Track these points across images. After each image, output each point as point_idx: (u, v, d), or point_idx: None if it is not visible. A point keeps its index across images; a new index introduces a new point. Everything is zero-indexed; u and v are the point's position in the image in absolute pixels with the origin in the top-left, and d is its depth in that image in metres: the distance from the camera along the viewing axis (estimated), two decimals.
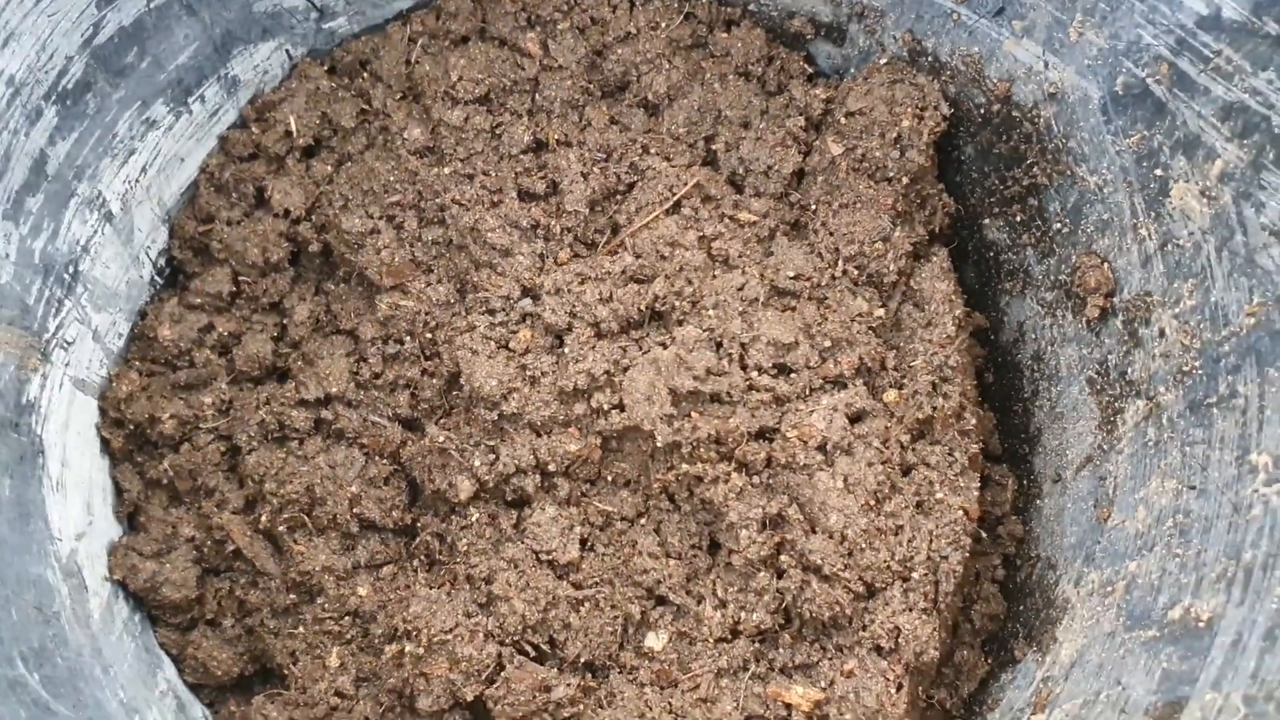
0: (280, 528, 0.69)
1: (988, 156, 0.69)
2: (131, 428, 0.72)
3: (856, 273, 0.66)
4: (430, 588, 0.65)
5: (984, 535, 0.70)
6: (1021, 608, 0.68)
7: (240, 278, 0.73)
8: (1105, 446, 0.62)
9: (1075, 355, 0.66)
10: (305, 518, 0.69)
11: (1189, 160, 0.54)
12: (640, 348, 0.63)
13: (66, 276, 0.67)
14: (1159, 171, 0.56)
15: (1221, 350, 0.53)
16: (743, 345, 0.62)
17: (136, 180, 0.71)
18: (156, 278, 0.75)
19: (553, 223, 0.68)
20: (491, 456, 0.64)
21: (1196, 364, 0.54)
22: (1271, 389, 0.49)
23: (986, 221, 0.71)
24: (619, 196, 0.69)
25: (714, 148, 0.71)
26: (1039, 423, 0.70)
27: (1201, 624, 0.48)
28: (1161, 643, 0.50)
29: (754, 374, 0.62)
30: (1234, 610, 0.46)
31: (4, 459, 0.61)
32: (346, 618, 0.68)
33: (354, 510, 0.68)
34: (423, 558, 0.68)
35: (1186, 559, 0.52)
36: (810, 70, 0.76)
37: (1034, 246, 0.68)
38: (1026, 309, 0.70)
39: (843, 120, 0.69)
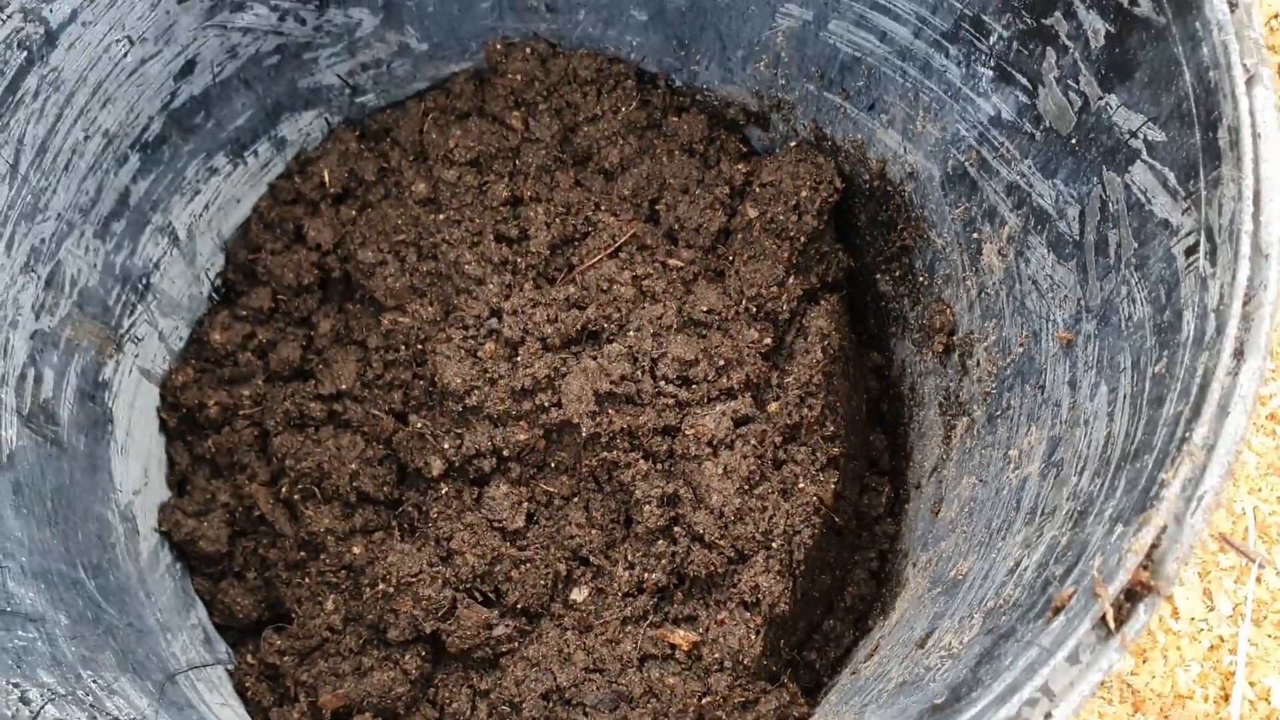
0: (295, 497, 0.84)
1: (874, 223, 0.83)
2: (184, 411, 0.87)
3: (755, 309, 0.80)
4: (404, 544, 0.80)
5: (857, 529, 0.83)
6: (884, 590, 0.81)
7: (279, 296, 0.89)
8: (944, 457, 0.75)
9: (932, 384, 0.79)
10: (315, 489, 0.84)
11: (991, 226, 0.68)
12: (576, 359, 0.78)
13: (140, 287, 0.83)
14: (975, 235, 0.70)
15: (1006, 374, 0.66)
16: (653, 360, 0.76)
17: (200, 215, 0.87)
18: (213, 294, 0.91)
19: (520, 261, 0.83)
20: (458, 442, 0.79)
21: (993, 386, 0.68)
22: (1026, 400, 0.62)
23: (878, 276, 0.85)
24: (575, 243, 0.84)
25: (657, 208, 0.86)
26: (911, 441, 0.84)
27: (961, 577, 0.61)
28: (940, 595, 0.63)
29: (661, 383, 0.76)
30: (976, 564, 0.59)
31: (82, 420, 0.76)
32: (342, 571, 0.83)
33: (353, 484, 0.83)
34: (405, 524, 0.83)
35: (969, 534, 0.65)
36: (745, 150, 0.91)
37: (908, 296, 0.82)
38: (905, 349, 0.84)
39: (758, 190, 0.83)
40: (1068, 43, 0.56)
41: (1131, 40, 0.52)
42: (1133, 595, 0.39)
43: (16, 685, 0.52)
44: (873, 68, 0.74)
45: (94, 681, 0.61)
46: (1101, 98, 0.54)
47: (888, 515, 0.83)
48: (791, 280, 0.80)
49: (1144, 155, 0.51)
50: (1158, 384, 0.45)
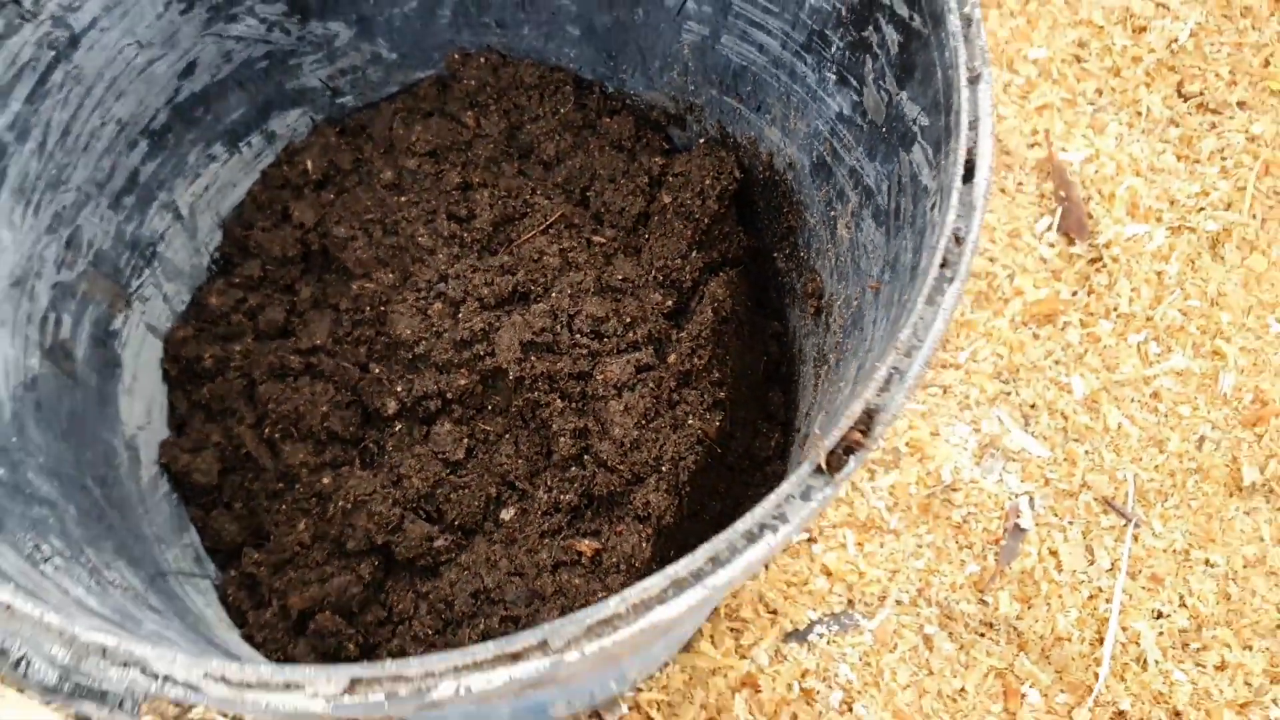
0: (276, 436, 0.98)
1: (768, 208, 0.96)
2: (183, 363, 1.01)
3: (662, 278, 0.93)
4: (363, 472, 0.94)
5: (750, 469, 0.97)
6: None
7: (267, 267, 1.03)
8: (814, 401, 0.88)
9: (811, 343, 0.92)
10: (293, 429, 0.97)
11: (841, 205, 0.81)
12: (507, 315, 0.92)
13: (147, 254, 0.97)
14: (832, 213, 0.83)
15: (847, 324, 0.79)
16: (570, 316, 0.90)
17: (200, 195, 1.01)
18: (211, 264, 1.06)
19: (466, 235, 0.97)
20: (409, 386, 0.93)
21: (840, 336, 0.81)
22: (853, 341, 0.75)
23: (775, 255, 0.98)
24: (514, 221, 0.98)
25: (587, 194, 1.00)
26: (798, 394, 0.97)
27: None
28: None
29: (578, 336, 0.90)
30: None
31: (94, 361, 0.91)
32: (313, 498, 0.96)
33: (324, 425, 0.97)
34: (365, 457, 0.97)
35: None
36: (667, 146, 1.05)
37: (795, 270, 0.95)
38: (795, 316, 0.97)
39: (671, 179, 0.97)
40: (878, 51, 0.70)
41: (912, 47, 0.65)
42: (849, 450, 0.52)
43: (32, 540, 0.66)
44: (756, 75, 0.87)
45: (95, 556, 0.74)
46: (898, 94, 0.68)
47: (777, 458, 0.96)
48: (695, 255, 0.94)
49: (919, 138, 0.64)
50: (900, 309, 0.58)
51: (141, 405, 0.98)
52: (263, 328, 1.01)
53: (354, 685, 0.48)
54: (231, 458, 0.99)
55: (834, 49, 0.75)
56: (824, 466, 0.51)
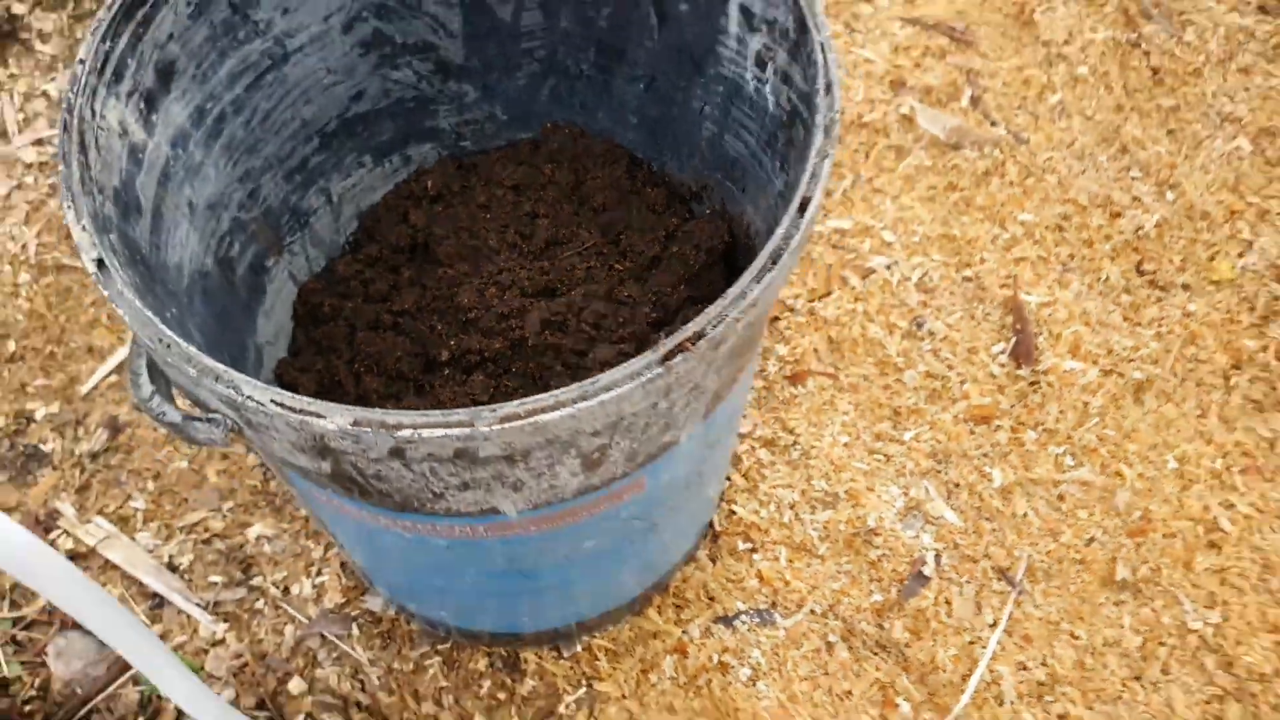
0: (360, 370, 1.30)
1: (745, 264, 1.27)
2: (308, 307, 1.35)
3: (655, 300, 1.24)
4: (416, 399, 1.25)
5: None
6: None
7: (384, 251, 1.38)
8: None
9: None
10: (374, 367, 1.30)
11: None
12: (537, 303, 1.23)
13: (301, 222, 1.32)
14: None
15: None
16: (580, 310, 1.21)
17: (348, 190, 1.37)
18: (345, 243, 1.41)
19: (524, 246, 1.30)
20: (460, 342, 1.25)
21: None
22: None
23: None
24: (561, 244, 1.31)
25: (620, 236, 1.32)
26: None
27: None
28: None
29: (583, 325, 1.21)
30: None
31: (248, 281, 1.25)
32: None
33: (397, 366, 1.29)
34: (419, 392, 1.28)
35: None
36: (688, 215, 1.36)
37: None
38: None
39: (680, 235, 1.29)
40: (797, 144, 1.01)
41: (804, 141, 0.96)
42: (680, 349, 0.81)
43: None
44: (743, 164, 1.19)
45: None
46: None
47: None
48: (683, 288, 1.25)
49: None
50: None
51: (272, 327, 1.32)
52: (370, 293, 1.35)
53: (356, 421, 0.78)
54: (327, 383, 1.32)
55: (779, 144, 1.07)
56: (662, 358, 0.81)
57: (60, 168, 0.89)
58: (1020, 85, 1.78)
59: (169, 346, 0.80)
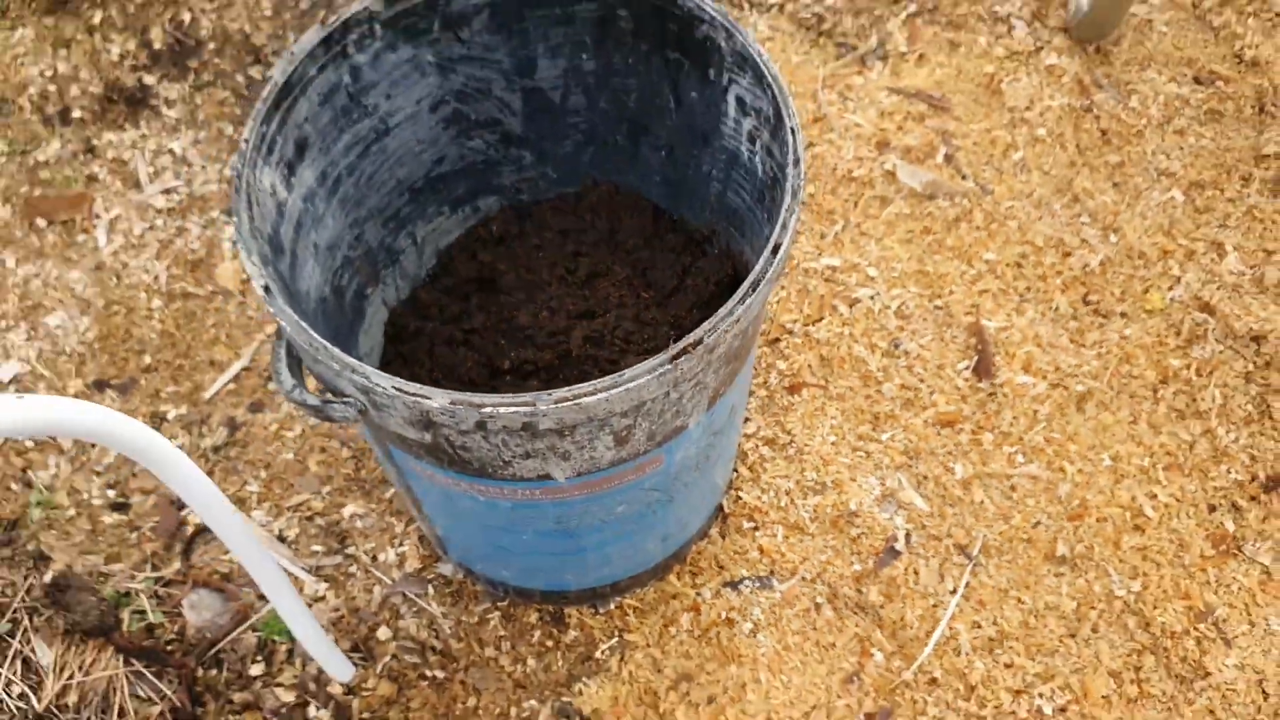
0: (438, 378, 1.60)
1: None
2: (397, 328, 1.65)
3: (673, 321, 1.53)
4: None
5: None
6: None
7: (457, 283, 1.68)
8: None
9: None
10: (449, 375, 1.60)
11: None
12: (579, 322, 1.53)
13: (393, 259, 1.63)
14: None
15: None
16: (614, 329, 1.51)
17: (430, 233, 1.67)
18: (426, 276, 1.72)
19: (570, 279, 1.60)
20: (519, 354, 1.54)
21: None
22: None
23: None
24: (599, 277, 1.60)
25: (646, 272, 1.61)
26: None
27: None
28: None
29: (616, 340, 1.50)
30: None
31: (353, 306, 1.55)
32: None
33: (467, 375, 1.58)
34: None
35: None
36: (702, 255, 1.66)
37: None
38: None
39: (694, 270, 1.58)
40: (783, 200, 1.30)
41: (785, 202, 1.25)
42: (684, 351, 1.10)
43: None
44: (742, 215, 1.48)
45: None
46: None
47: None
48: (696, 312, 1.54)
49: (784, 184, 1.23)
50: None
51: (369, 343, 1.62)
52: (446, 316, 1.65)
53: (453, 401, 1.08)
54: None
55: (767, 200, 1.36)
56: (671, 358, 1.10)
57: (234, 219, 1.19)
58: (988, 144, 2.07)
59: (319, 348, 1.10)
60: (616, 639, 1.64)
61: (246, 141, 1.24)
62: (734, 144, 1.40)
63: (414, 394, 1.07)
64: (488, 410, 1.07)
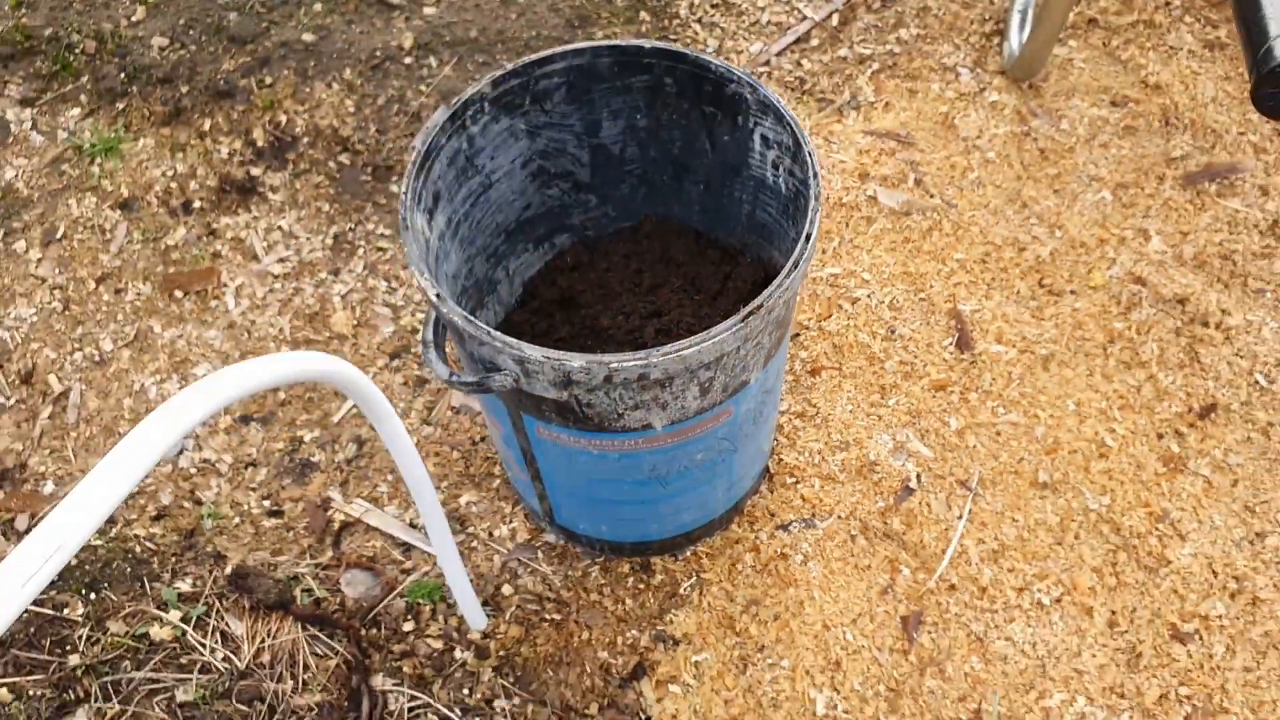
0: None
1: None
2: None
3: (721, 317, 1.90)
4: None
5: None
6: None
7: (543, 304, 2.05)
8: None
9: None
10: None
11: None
12: (649, 321, 1.90)
13: (492, 287, 1.99)
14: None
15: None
16: (677, 324, 1.87)
17: (519, 266, 2.04)
18: (516, 302, 2.08)
19: (636, 289, 1.97)
20: (603, 350, 1.91)
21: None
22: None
23: None
24: (659, 287, 1.97)
25: (694, 279, 1.99)
26: None
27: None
28: None
29: (679, 332, 1.87)
30: None
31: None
32: None
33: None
34: None
35: None
36: (736, 264, 2.03)
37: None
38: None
39: (732, 275, 1.95)
40: (804, 211, 1.68)
41: (807, 212, 1.63)
42: (752, 312, 1.47)
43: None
44: (770, 228, 1.86)
45: None
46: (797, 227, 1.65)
47: None
48: (739, 306, 1.91)
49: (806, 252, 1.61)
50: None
51: None
52: (536, 332, 2.02)
53: (587, 361, 1.44)
54: None
55: (790, 211, 1.74)
56: (743, 318, 1.47)
57: (405, 248, 1.56)
58: (949, 169, 2.47)
59: (483, 333, 1.46)
60: (694, 578, 1.98)
61: (406, 193, 1.61)
62: (760, 172, 1.79)
63: (558, 358, 1.43)
64: (614, 364, 1.42)
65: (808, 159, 1.56)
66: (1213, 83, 2.51)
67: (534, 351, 1.43)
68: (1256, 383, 2.10)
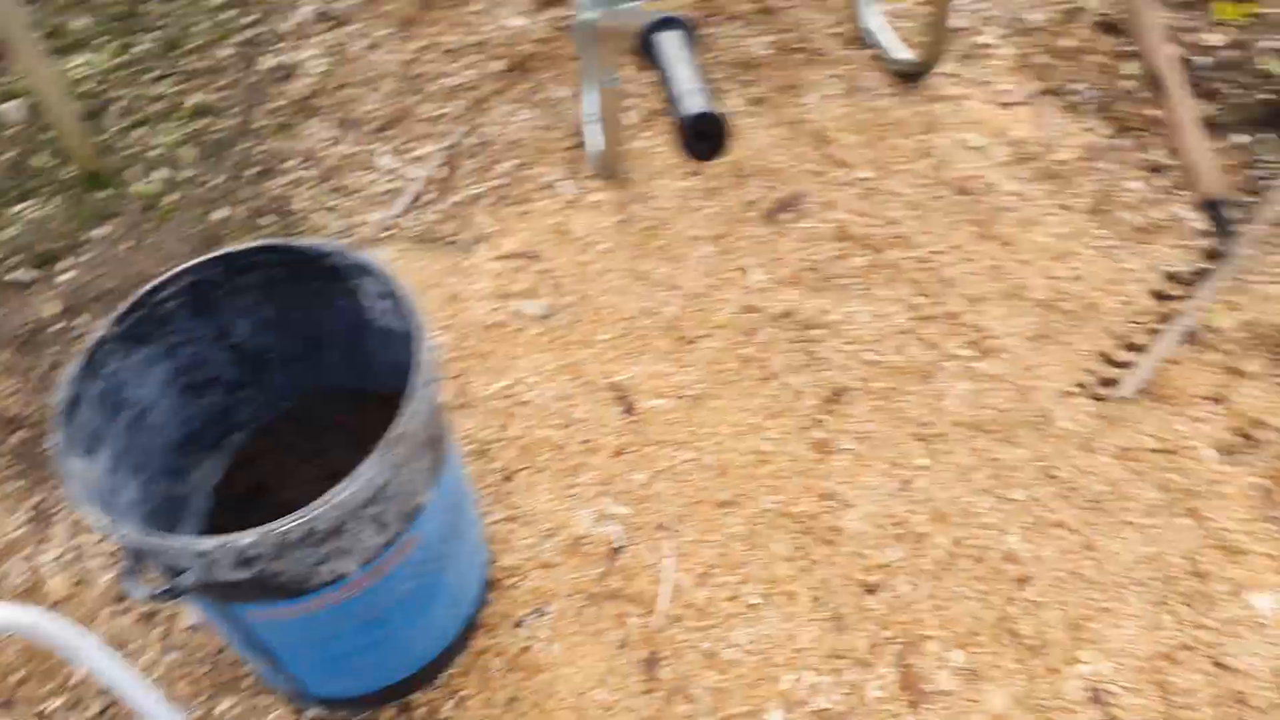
0: None
1: None
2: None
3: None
4: None
5: None
6: None
7: (236, 501, 2.12)
8: None
9: None
10: None
11: None
12: (330, 483, 2.01)
13: (182, 504, 2.05)
14: None
15: None
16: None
17: (202, 476, 2.11)
18: (211, 508, 2.14)
19: (316, 458, 2.08)
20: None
21: None
22: None
23: None
24: (331, 452, 2.09)
25: (365, 436, 2.12)
26: None
27: None
28: None
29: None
30: None
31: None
32: None
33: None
34: None
35: None
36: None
37: None
38: None
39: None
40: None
41: None
42: (391, 443, 1.62)
43: None
44: (406, 365, 2.02)
45: None
46: None
47: None
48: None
49: None
50: None
51: None
52: (237, 527, 2.09)
53: (257, 534, 1.54)
54: None
55: (415, 347, 1.91)
56: (379, 455, 1.61)
57: (67, 491, 1.62)
58: (575, 267, 2.72)
59: (155, 541, 1.54)
60: (454, 699, 2.07)
61: (60, 442, 1.68)
62: (381, 321, 1.95)
63: (226, 540, 1.53)
64: (281, 529, 1.53)
65: (403, 297, 1.74)
66: (763, 130, 2.90)
67: (205, 542, 1.51)
68: (865, 360, 2.42)
